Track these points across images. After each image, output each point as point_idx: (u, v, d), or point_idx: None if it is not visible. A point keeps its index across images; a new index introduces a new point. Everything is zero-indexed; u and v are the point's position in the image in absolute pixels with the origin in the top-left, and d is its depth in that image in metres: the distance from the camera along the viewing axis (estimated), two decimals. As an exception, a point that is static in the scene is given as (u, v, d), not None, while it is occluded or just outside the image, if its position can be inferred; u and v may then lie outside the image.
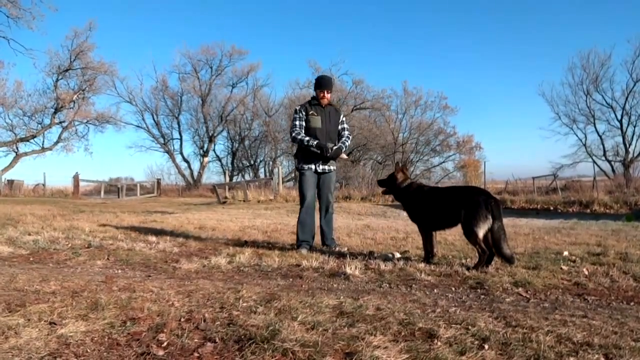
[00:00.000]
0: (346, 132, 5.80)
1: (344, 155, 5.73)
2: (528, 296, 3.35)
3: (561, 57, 61.60)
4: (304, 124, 5.56)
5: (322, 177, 5.62)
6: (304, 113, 5.58)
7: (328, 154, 5.44)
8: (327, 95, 5.61)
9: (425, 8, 63.70)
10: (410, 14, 64.01)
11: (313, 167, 5.55)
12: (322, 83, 5.69)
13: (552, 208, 14.82)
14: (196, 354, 2.05)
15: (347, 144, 5.74)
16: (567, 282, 3.79)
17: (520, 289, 3.51)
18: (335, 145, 5.59)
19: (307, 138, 5.49)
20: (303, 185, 5.59)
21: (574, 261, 4.59)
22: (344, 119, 5.85)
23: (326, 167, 5.59)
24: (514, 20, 62.58)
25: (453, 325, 2.43)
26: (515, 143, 68.76)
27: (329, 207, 5.66)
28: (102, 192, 30.04)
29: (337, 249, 5.47)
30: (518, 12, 62.15)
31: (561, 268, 4.22)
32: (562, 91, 39.30)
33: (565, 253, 5.03)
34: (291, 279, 3.88)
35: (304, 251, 5.20)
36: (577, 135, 32.17)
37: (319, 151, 5.46)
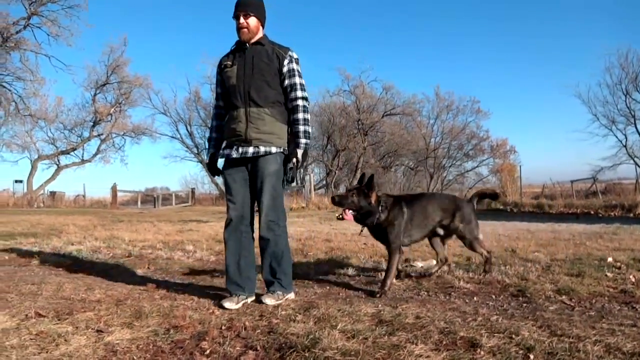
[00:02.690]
0: (300, 100, 3.28)
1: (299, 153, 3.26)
2: (572, 304, 3.25)
3: (597, 56, 59.74)
4: (220, 90, 3.45)
5: (248, 165, 3.27)
6: (219, 69, 3.41)
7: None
8: (248, 23, 3.20)
9: (457, 12, 63.02)
10: (442, 19, 63.46)
11: (231, 151, 3.27)
12: (236, 2, 3.26)
13: (592, 212, 14.36)
14: (239, 362, 2.08)
15: (308, 137, 3.29)
16: (612, 289, 3.66)
17: (563, 297, 3.41)
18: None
19: (213, 125, 3.51)
20: (225, 186, 3.41)
21: (619, 268, 4.43)
22: (293, 65, 3.30)
23: (250, 148, 3.20)
24: (547, 22, 61.25)
25: (496, 334, 2.39)
26: (552, 146, 66.87)
27: (267, 226, 3.20)
28: (139, 202, 30.80)
29: (271, 300, 3.13)
30: (551, 14, 60.78)
31: (606, 275, 4.08)
32: (600, 92, 38.00)
33: (609, 259, 4.87)
34: (328, 287, 3.88)
35: (227, 304, 3.04)
36: (616, 137, 31.06)
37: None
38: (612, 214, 13.79)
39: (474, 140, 37.86)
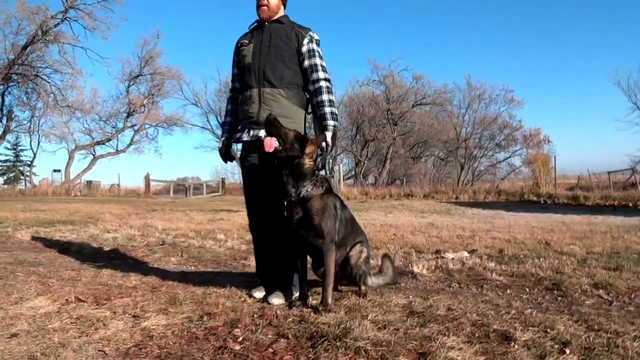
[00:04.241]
0: (323, 81, 3.06)
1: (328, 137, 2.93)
2: (610, 299, 3.16)
3: (638, 42, 57.34)
4: (237, 71, 3.27)
5: (259, 151, 2.99)
6: (236, 49, 3.25)
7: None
8: (268, 0, 3.07)
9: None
10: (474, 6, 62.06)
11: (243, 134, 3.14)
12: None
13: (630, 204, 13.87)
14: (271, 350, 2.11)
15: (335, 119, 3.01)
16: (653, 284, 3.54)
17: (601, 291, 3.32)
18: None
19: (228, 109, 3.37)
20: (242, 175, 3.34)
21: (661, 262, 4.29)
22: (313, 45, 3.10)
23: (262, 131, 2.96)
24: (584, 5, 59.05)
25: (530, 328, 2.35)
26: (588, 136, 64.90)
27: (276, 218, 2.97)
28: (171, 192, 31.36)
29: (278, 299, 2.91)
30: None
31: (646, 269, 3.95)
32: (640, 79, 36.67)
33: (650, 253, 4.71)
34: (358, 277, 3.88)
35: (256, 293, 3.04)
36: (658, 126, 29.88)
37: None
38: (653, 206, 13.30)
39: (507, 130, 36.98)
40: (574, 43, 60.93)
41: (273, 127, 2.74)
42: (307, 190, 2.75)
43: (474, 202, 16.78)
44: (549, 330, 2.32)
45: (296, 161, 2.73)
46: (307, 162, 2.78)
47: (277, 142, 2.72)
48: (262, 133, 2.96)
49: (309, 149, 2.77)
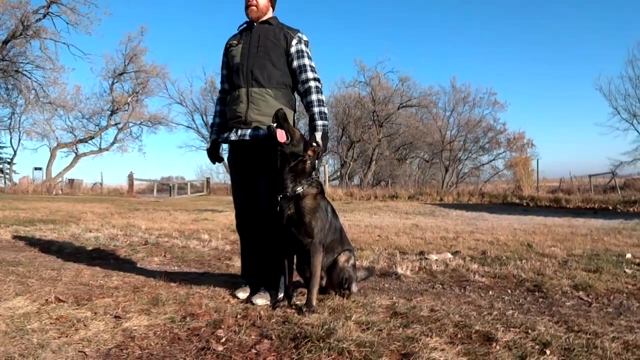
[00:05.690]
0: (312, 81, 3.05)
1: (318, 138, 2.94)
2: (590, 300, 3.21)
3: (620, 48, 58.52)
4: (226, 72, 3.27)
5: (249, 150, 3.07)
6: (225, 50, 3.25)
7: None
8: (257, 1, 3.07)
9: (474, 3, 62.09)
10: (459, 9, 62.63)
11: (230, 133, 3.11)
12: None
13: (610, 208, 14.13)
14: (254, 350, 2.10)
15: (325, 119, 3.02)
16: (631, 286, 3.61)
17: (580, 293, 3.38)
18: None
19: (216, 110, 3.38)
20: (230, 173, 3.34)
21: (639, 264, 4.37)
22: (301, 46, 3.09)
23: (249, 130, 3.01)
24: (568, 11, 59.99)
25: (511, 329, 2.38)
26: (571, 140, 65.89)
27: (263, 218, 3.04)
28: (155, 191, 31.06)
29: (261, 300, 2.89)
30: (571, 4, 59.53)
31: (624, 271, 4.03)
32: (621, 85, 37.29)
33: (628, 255, 4.80)
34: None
35: (240, 294, 3.04)
36: (637, 131, 30.40)
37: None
38: (631, 209, 13.56)
39: (491, 133, 37.38)
40: (558, 47, 61.90)
41: (285, 121, 2.80)
42: (303, 188, 2.82)
43: (457, 204, 16.93)
44: (530, 331, 2.35)
45: (300, 158, 2.82)
46: (309, 162, 2.86)
47: (285, 136, 2.78)
48: (249, 132, 2.99)
49: (310, 151, 2.85)
